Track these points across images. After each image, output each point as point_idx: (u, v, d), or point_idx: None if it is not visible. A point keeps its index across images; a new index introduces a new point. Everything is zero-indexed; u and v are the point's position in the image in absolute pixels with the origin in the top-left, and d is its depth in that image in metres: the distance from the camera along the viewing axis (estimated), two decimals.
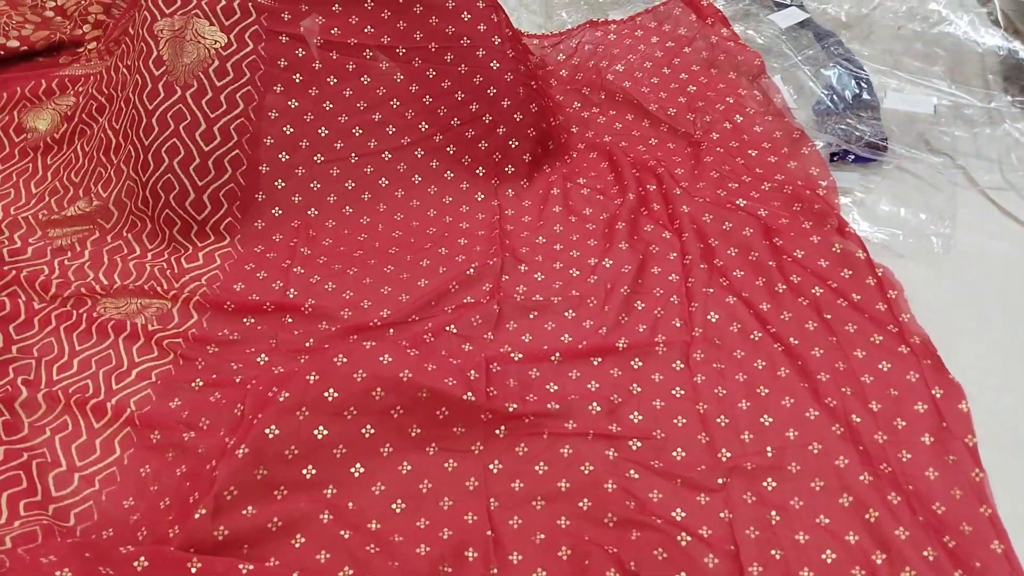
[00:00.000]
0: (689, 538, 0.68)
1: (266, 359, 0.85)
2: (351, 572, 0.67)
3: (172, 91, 0.98)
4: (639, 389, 0.82)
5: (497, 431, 0.78)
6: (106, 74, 1.12)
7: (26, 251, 0.97)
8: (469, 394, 0.77)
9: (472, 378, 0.79)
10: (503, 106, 1.05)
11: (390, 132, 1.06)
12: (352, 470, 0.74)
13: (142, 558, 0.64)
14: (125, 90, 1.03)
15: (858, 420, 0.76)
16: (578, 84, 1.23)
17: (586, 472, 0.74)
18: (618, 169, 1.07)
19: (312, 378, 0.75)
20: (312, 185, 1.03)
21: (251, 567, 0.64)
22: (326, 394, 0.75)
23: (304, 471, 0.73)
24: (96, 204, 1.02)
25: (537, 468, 0.75)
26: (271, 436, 0.72)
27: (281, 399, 0.74)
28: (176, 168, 0.97)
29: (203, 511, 0.67)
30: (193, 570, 0.64)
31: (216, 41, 1.00)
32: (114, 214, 1.01)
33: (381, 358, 0.77)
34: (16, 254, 0.96)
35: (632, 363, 0.84)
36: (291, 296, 0.91)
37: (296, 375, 0.77)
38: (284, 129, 1.02)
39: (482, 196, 1.06)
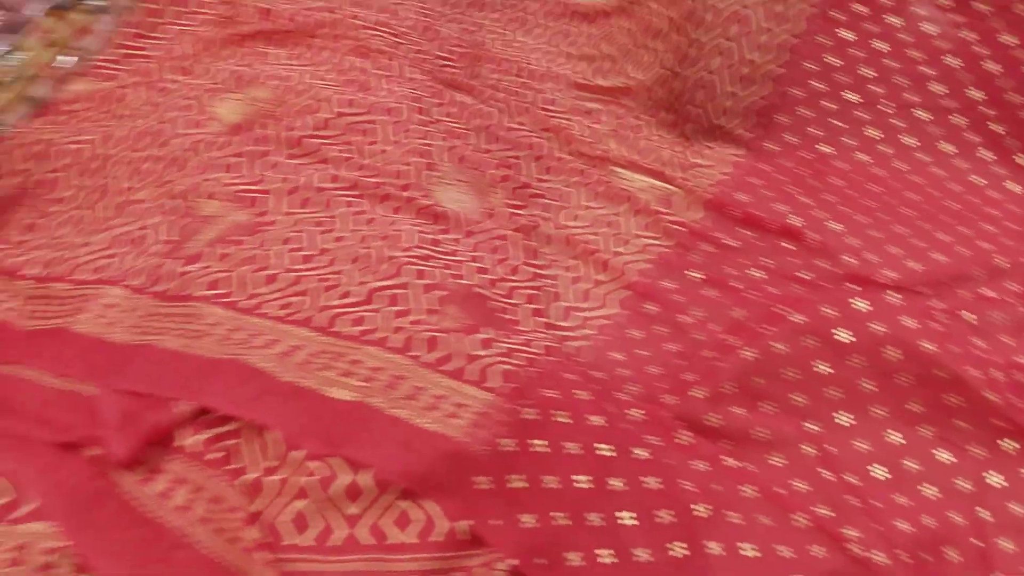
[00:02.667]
0: None
1: (762, 276, 0.84)
2: (831, 514, 0.65)
3: None
4: None
5: (1000, 442, 0.70)
6: None
7: (557, 104, 1.05)
8: (990, 392, 0.70)
9: (995, 377, 0.71)
10: None
11: (932, 88, 0.96)
12: (836, 416, 0.71)
13: (641, 412, 0.67)
14: None
15: None
16: None
17: None
18: None
19: (829, 312, 0.73)
20: (832, 122, 0.98)
21: (737, 464, 0.65)
22: (838, 333, 0.72)
23: (793, 396, 0.71)
24: (623, 81, 1.07)
25: None
26: (777, 351, 0.72)
27: (794, 319, 0.73)
28: (719, 71, 0.98)
29: (703, 392, 0.69)
30: (681, 441, 0.66)
31: None
32: (641, 96, 1.05)
33: (903, 318, 0.72)
34: (549, 103, 1.05)
35: None
36: (794, 223, 0.88)
37: (807, 302, 0.75)
38: (827, 60, 0.98)
39: (1020, 189, 0.93)
